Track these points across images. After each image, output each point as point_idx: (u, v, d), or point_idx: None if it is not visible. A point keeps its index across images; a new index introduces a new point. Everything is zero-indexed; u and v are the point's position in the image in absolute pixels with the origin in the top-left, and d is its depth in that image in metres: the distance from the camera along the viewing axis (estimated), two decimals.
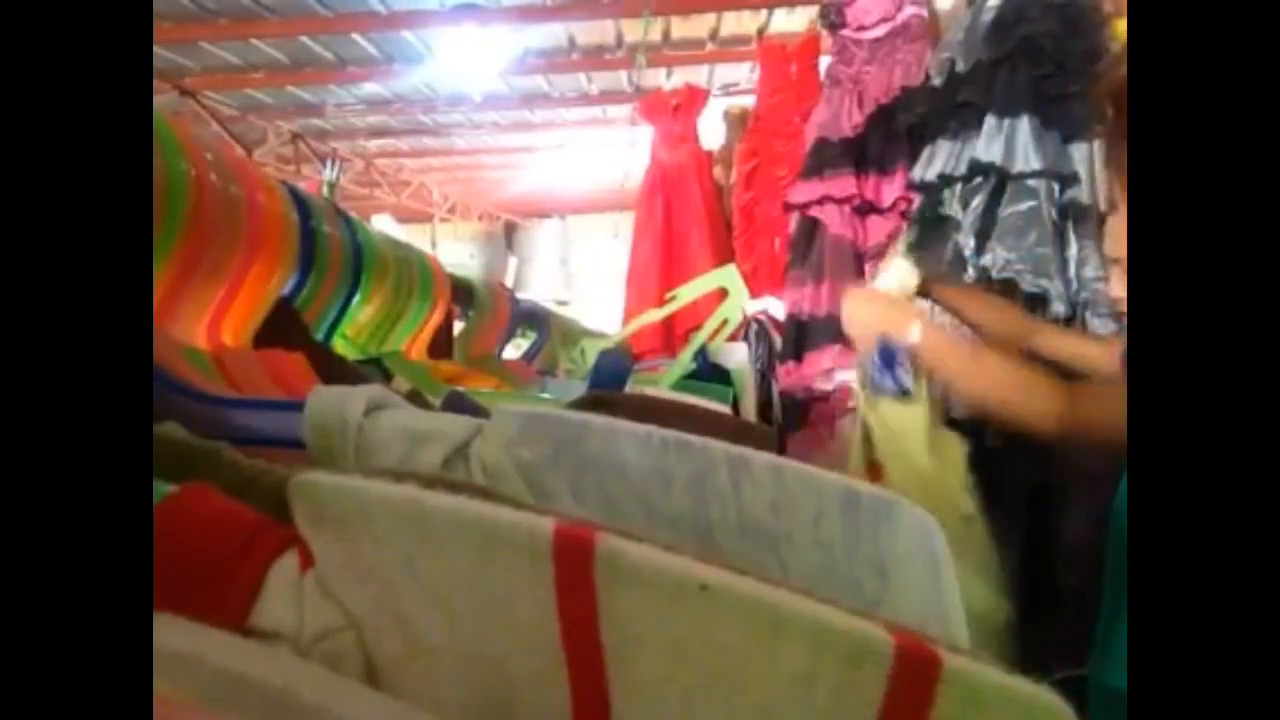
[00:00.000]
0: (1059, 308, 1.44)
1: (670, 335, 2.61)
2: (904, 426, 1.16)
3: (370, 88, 5.15)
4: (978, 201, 1.56)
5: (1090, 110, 1.46)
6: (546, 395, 1.02)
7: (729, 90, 4.18)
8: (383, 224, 5.87)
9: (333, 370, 0.64)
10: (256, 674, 0.23)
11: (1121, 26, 1.48)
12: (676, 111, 3.19)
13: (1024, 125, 1.50)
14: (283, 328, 0.68)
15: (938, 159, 1.65)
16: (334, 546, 0.28)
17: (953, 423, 1.25)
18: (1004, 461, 1.36)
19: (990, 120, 1.54)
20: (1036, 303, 1.46)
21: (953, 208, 1.62)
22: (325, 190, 5.52)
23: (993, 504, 1.18)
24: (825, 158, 2.02)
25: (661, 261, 3.02)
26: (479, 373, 1.05)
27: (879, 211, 1.96)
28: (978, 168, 1.55)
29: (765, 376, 2.44)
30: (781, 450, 1.44)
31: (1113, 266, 1.35)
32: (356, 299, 0.84)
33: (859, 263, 2.00)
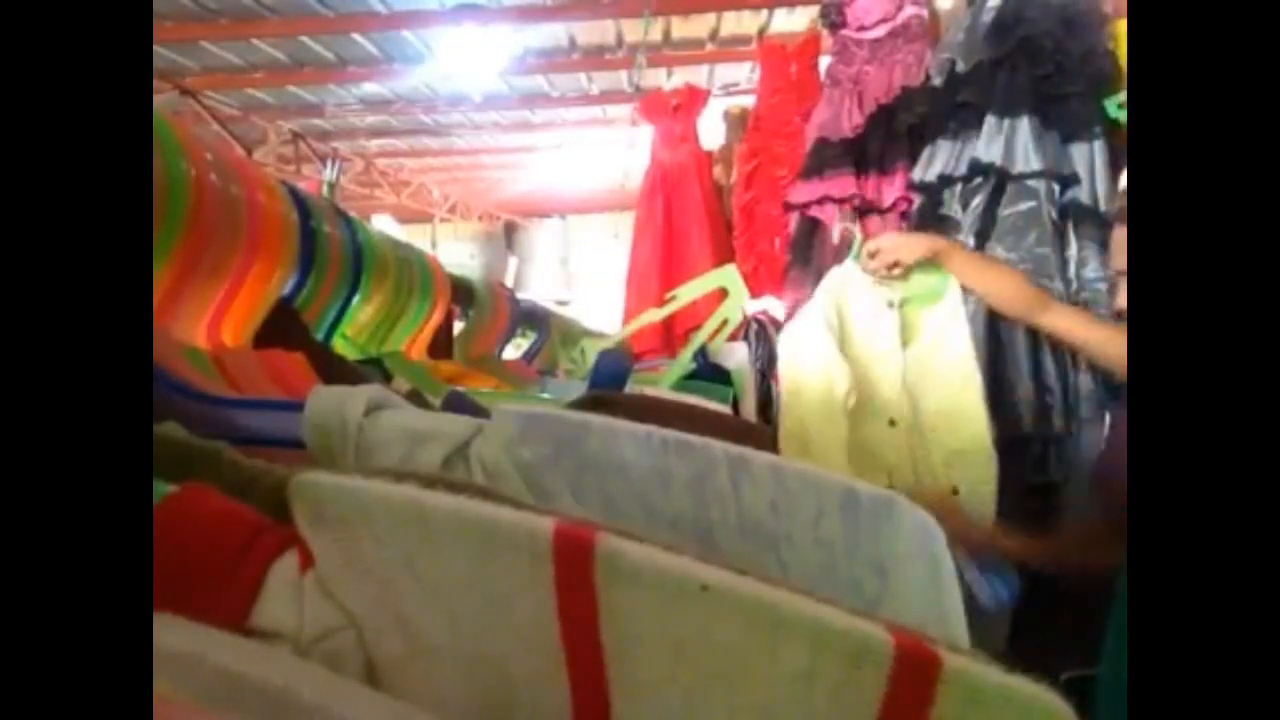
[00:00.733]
0: None
1: (670, 335, 2.61)
2: None
3: (370, 88, 5.15)
4: (978, 201, 1.56)
5: (1090, 110, 1.46)
6: (546, 395, 1.02)
7: (729, 90, 4.18)
8: (383, 224, 5.87)
9: (333, 370, 0.64)
10: (256, 674, 0.23)
11: (1121, 26, 1.48)
12: (676, 111, 3.19)
13: (1024, 125, 1.50)
14: (283, 328, 0.68)
15: (938, 159, 1.65)
16: (334, 546, 0.28)
17: None
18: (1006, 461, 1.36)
19: (990, 120, 1.54)
20: None
21: (953, 208, 1.62)
22: (325, 190, 5.52)
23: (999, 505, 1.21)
24: (825, 158, 2.02)
25: (661, 261, 3.02)
26: (479, 373, 1.05)
27: (879, 211, 1.96)
28: (978, 168, 1.55)
29: (765, 376, 2.44)
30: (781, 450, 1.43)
31: (1119, 278, 1.36)
32: (356, 299, 0.84)
33: None
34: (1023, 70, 1.52)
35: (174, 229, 0.54)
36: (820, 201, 2.01)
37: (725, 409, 1.02)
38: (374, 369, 0.79)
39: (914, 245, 1.41)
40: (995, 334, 1.49)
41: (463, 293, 1.19)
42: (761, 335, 2.57)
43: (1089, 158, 1.48)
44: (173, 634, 0.24)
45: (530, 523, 0.26)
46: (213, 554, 0.29)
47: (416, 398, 0.61)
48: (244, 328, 0.66)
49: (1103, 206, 1.47)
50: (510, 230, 9.36)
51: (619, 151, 6.41)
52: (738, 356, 1.44)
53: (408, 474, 0.29)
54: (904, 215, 1.88)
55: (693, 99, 3.23)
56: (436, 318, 1.08)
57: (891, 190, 1.93)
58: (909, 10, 2.00)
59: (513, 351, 1.52)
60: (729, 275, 1.34)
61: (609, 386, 0.73)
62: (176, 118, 0.57)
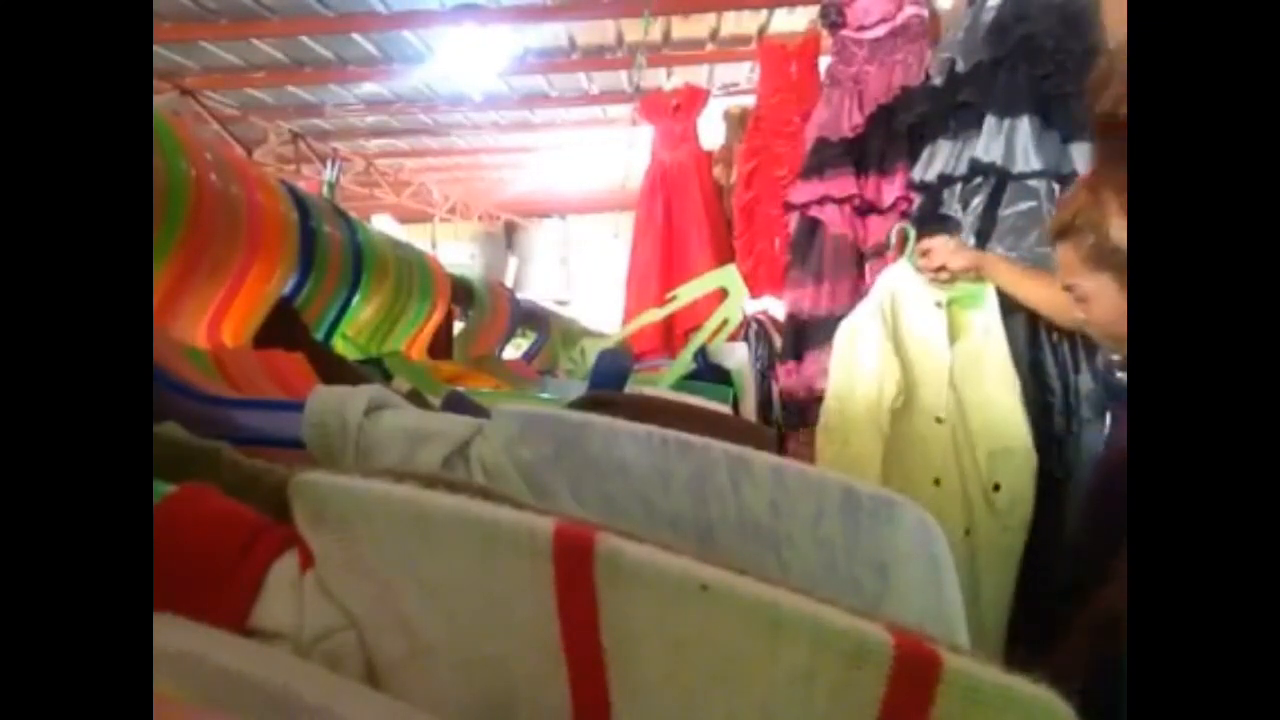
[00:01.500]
0: None
1: (670, 335, 2.61)
2: None
3: (370, 88, 5.14)
4: (978, 201, 1.56)
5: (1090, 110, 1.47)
6: (546, 395, 1.02)
7: (729, 90, 4.18)
8: (383, 224, 5.87)
9: (333, 370, 0.64)
10: (257, 674, 0.23)
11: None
12: (677, 111, 3.19)
13: (1024, 125, 1.50)
14: (283, 328, 0.68)
15: (938, 159, 1.65)
16: (334, 546, 0.28)
17: None
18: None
19: (990, 120, 1.54)
20: None
21: (953, 208, 1.62)
22: (325, 190, 5.51)
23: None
24: (825, 158, 2.02)
25: (661, 261, 3.02)
26: (479, 373, 1.05)
27: (879, 211, 1.97)
28: (978, 168, 1.55)
29: (765, 376, 2.44)
30: (781, 450, 1.44)
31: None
32: (356, 299, 0.84)
33: (859, 263, 2.01)
34: (1023, 70, 1.52)
35: (174, 229, 0.54)
36: (820, 201, 2.02)
37: (725, 409, 1.02)
38: (374, 369, 0.79)
39: (961, 256, 1.48)
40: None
41: (463, 293, 1.19)
42: (761, 335, 2.58)
43: (1089, 157, 1.48)
44: (173, 634, 0.24)
45: (530, 523, 0.26)
46: (213, 554, 0.29)
47: (416, 398, 0.61)
48: (244, 328, 0.66)
49: None
50: (510, 230, 9.36)
51: (619, 151, 6.41)
52: (738, 356, 1.44)
53: (408, 474, 0.29)
54: (904, 215, 1.88)
55: (693, 99, 3.23)
56: (436, 318, 1.08)
57: (891, 190, 1.93)
58: (909, 10, 2.00)
59: (513, 351, 1.52)
60: (729, 275, 1.34)
61: (609, 386, 0.73)
62: (176, 118, 0.57)
